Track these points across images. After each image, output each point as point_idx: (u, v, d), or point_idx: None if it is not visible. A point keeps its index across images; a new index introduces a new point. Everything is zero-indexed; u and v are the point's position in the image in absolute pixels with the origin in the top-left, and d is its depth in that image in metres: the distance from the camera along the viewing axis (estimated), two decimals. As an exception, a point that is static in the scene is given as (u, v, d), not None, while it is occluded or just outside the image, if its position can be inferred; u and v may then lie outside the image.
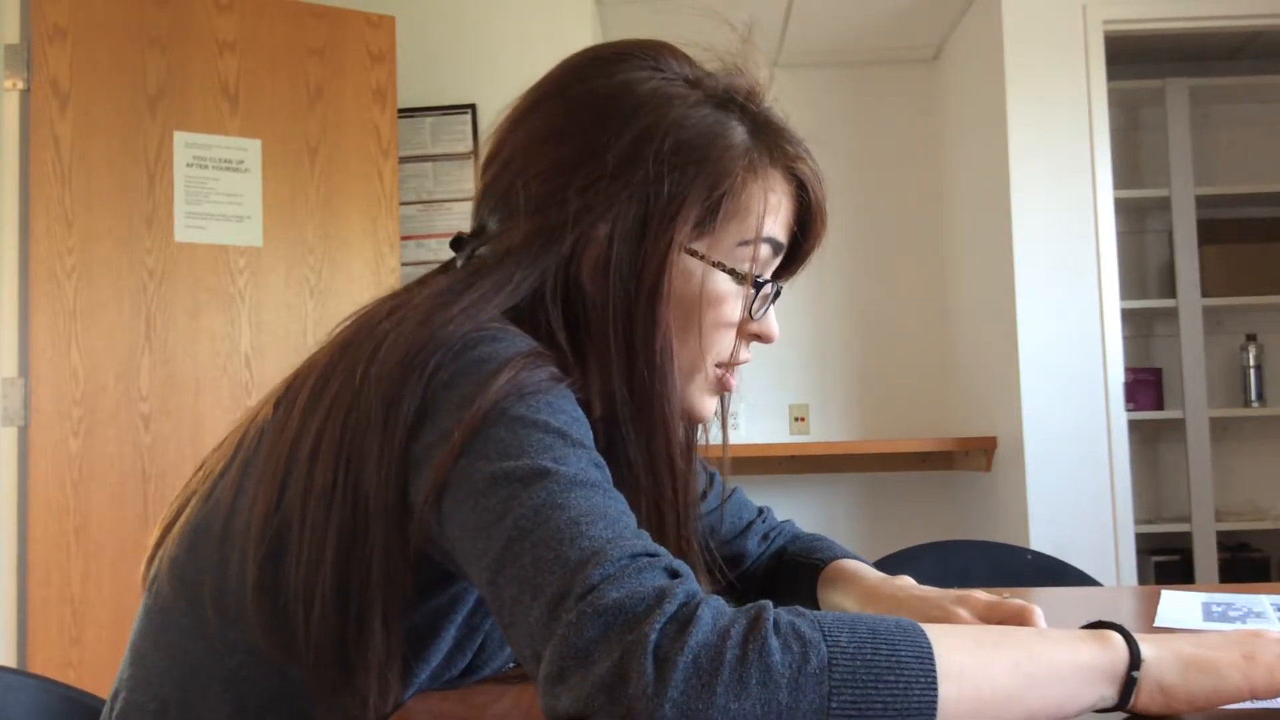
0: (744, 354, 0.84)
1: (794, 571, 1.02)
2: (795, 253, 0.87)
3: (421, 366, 0.66)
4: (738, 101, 0.81)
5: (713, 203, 0.77)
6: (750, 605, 0.55)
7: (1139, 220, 3.52)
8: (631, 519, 0.62)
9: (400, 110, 2.65)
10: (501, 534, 0.59)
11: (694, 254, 0.78)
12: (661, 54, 0.81)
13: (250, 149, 2.42)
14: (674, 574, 0.57)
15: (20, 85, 2.21)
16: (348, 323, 0.77)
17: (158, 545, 0.79)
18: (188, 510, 0.78)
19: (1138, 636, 0.60)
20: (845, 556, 1.00)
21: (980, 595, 0.81)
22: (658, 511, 0.77)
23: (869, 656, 0.52)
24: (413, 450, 0.65)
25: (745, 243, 0.80)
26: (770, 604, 0.55)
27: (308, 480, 0.68)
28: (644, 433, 0.76)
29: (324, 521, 0.67)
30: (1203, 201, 3.22)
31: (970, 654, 0.56)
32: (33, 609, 2.14)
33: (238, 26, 2.42)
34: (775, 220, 0.81)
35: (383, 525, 0.66)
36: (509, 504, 0.59)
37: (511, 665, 0.83)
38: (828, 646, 0.52)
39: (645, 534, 0.61)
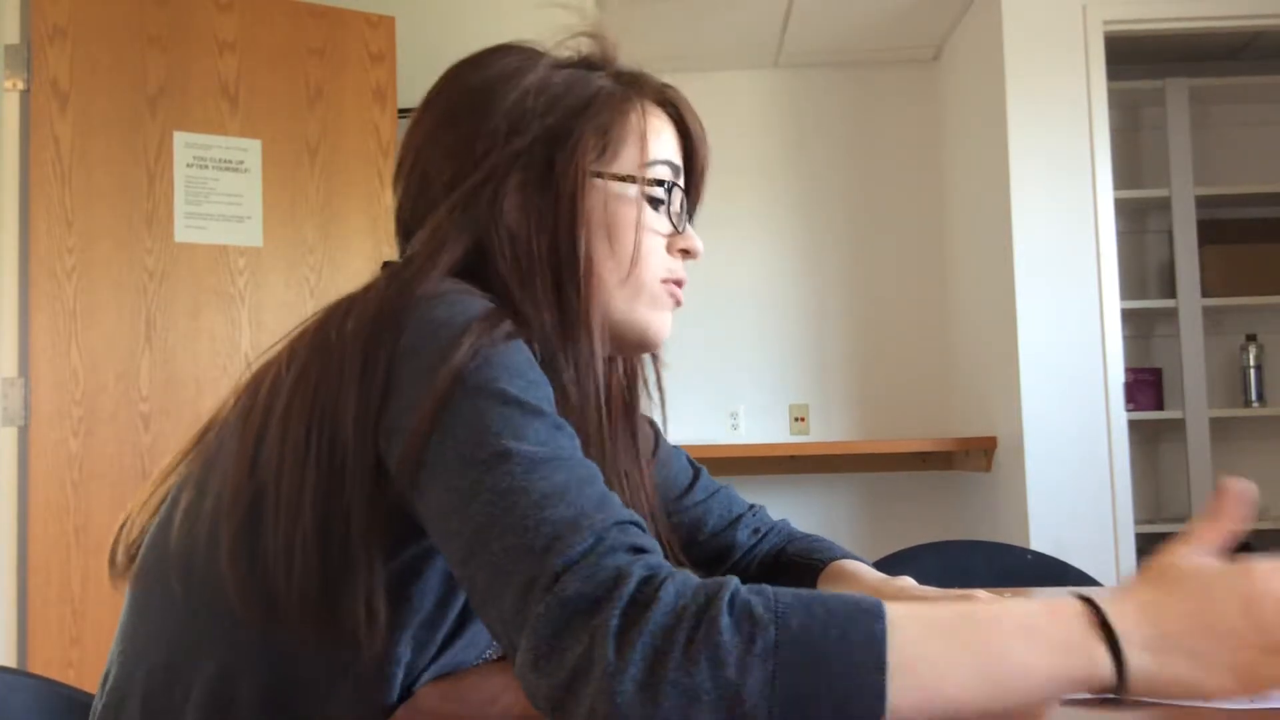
0: (677, 269, 0.88)
1: (792, 571, 1.02)
2: (691, 178, 0.93)
3: (388, 332, 0.68)
4: (596, 65, 0.90)
5: (603, 133, 0.84)
6: (713, 580, 0.56)
7: (1139, 220, 3.52)
8: (594, 488, 0.63)
9: (400, 110, 2.65)
10: (470, 520, 0.61)
11: (600, 176, 0.83)
12: (526, 48, 0.91)
13: (250, 149, 2.42)
14: (637, 550, 0.59)
15: (20, 85, 2.21)
16: (304, 324, 0.78)
17: (119, 532, 0.82)
18: (147, 495, 0.81)
19: (1125, 649, 0.56)
20: (845, 557, 1.00)
21: (982, 595, 0.81)
22: (582, 432, 0.75)
23: (816, 640, 0.53)
24: (383, 422, 0.67)
25: (645, 165, 0.85)
26: (735, 579, 0.57)
27: (280, 456, 0.70)
28: (573, 354, 0.78)
29: (299, 485, 0.68)
30: (1203, 201, 3.22)
31: (929, 645, 0.55)
32: (33, 609, 2.14)
33: (238, 26, 2.42)
34: (660, 141, 0.87)
35: (360, 485, 0.68)
36: (476, 489, 0.61)
37: None
38: (776, 630, 0.53)
39: (611, 500, 0.62)
